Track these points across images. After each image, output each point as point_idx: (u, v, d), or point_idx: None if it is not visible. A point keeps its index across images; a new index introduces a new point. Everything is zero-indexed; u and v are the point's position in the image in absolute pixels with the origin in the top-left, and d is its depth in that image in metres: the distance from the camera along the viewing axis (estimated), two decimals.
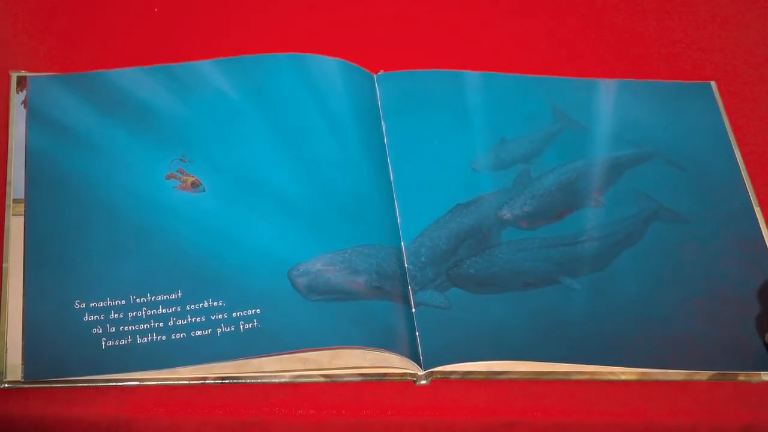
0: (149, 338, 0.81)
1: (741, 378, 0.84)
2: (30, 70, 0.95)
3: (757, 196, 0.94)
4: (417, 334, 0.83)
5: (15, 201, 0.87)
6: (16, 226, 0.85)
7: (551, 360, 0.83)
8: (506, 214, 0.91)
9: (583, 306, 0.86)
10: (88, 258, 0.84)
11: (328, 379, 0.81)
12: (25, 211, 0.86)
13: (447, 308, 0.85)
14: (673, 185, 0.95)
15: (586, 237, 0.91)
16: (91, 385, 0.79)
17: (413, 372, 0.81)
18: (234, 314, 0.82)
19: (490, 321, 0.84)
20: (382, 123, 0.95)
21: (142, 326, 0.81)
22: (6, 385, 0.78)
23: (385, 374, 0.82)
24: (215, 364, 0.80)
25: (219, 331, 0.81)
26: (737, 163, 0.96)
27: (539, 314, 0.85)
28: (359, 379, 0.81)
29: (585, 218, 0.92)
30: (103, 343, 0.80)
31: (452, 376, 0.82)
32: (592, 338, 0.84)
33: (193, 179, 0.89)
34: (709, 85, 1.02)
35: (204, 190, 0.89)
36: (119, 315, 0.81)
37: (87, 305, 0.81)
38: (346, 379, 0.81)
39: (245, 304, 0.83)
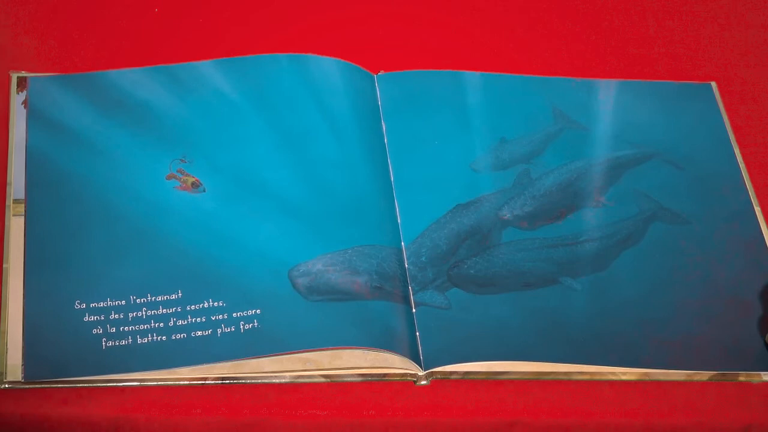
0: (149, 338, 0.81)
1: (741, 378, 0.84)
2: (30, 71, 0.95)
3: (757, 196, 0.94)
4: (417, 334, 0.83)
5: (15, 201, 0.87)
6: (16, 226, 0.85)
7: (551, 360, 0.83)
8: (506, 214, 0.91)
9: (583, 306, 0.86)
10: (89, 258, 0.84)
11: (329, 380, 0.81)
12: (25, 211, 0.86)
13: (447, 308, 0.85)
14: (674, 186, 0.95)
15: (587, 237, 0.91)
16: (91, 385, 0.79)
17: (413, 372, 0.81)
18: (234, 314, 0.82)
19: (490, 321, 0.84)
20: (383, 123, 0.95)
21: (142, 326, 0.81)
22: (6, 386, 0.78)
23: (385, 374, 0.82)
24: (215, 365, 0.80)
25: (219, 331, 0.81)
26: (737, 164, 0.96)
27: (539, 314, 0.85)
28: (359, 379, 0.81)
29: (585, 218, 0.92)
30: (104, 343, 0.80)
31: (452, 377, 0.82)
32: (593, 338, 0.84)
33: (194, 179, 0.89)
34: (710, 85, 1.02)
35: (204, 191, 0.89)
36: (119, 315, 0.81)
37: (87, 305, 0.81)
38: (346, 379, 0.81)
39: (245, 305, 0.83)
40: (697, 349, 0.85)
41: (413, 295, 0.85)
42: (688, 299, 0.88)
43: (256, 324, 0.82)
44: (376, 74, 0.98)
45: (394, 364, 0.81)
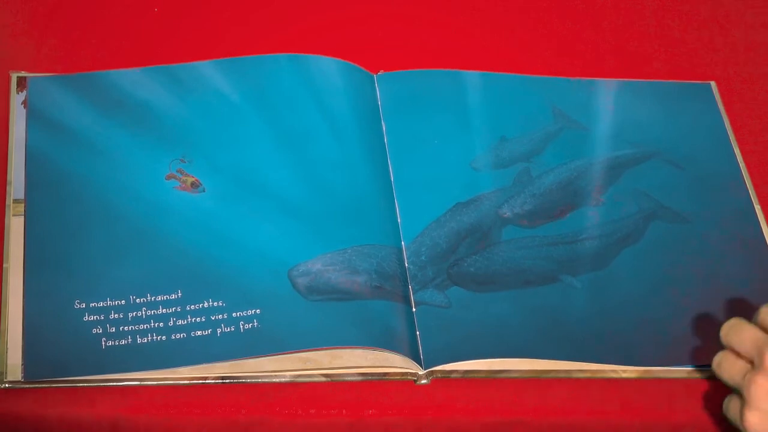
0: (149, 338, 0.80)
1: None
2: (30, 71, 0.95)
3: (758, 194, 0.94)
4: (417, 333, 0.83)
5: (15, 201, 0.87)
6: (16, 226, 0.85)
7: (552, 357, 0.83)
8: (506, 212, 0.91)
9: (583, 304, 0.86)
10: (88, 258, 0.84)
11: (329, 379, 0.81)
12: (25, 211, 0.86)
13: (447, 307, 0.85)
14: (674, 185, 0.95)
15: (587, 235, 0.90)
16: (91, 385, 0.79)
17: (414, 371, 0.81)
18: (234, 314, 0.82)
19: (490, 319, 0.84)
20: (382, 123, 0.95)
21: (142, 326, 0.81)
22: (6, 385, 0.78)
23: (385, 374, 0.81)
24: (215, 364, 0.80)
25: (219, 331, 0.81)
26: (737, 162, 0.96)
27: (539, 312, 0.85)
28: (360, 378, 0.81)
29: (585, 217, 0.92)
30: (103, 343, 0.80)
31: (453, 375, 0.82)
32: (593, 336, 0.84)
33: (193, 179, 0.89)
34: (709, 85, 1.02)
35: (204, 191, 0.89)
36: (119, 315, 0.81)
37: (87, 305, 0.81)
38: (346, 378, 0.81)
39: (245, 304, 0.82)
40: (698, 346, 0.85)
41: (413, 294, 0.85)
42: (688, 297, 0.88)
43: (255, 324, 0.81)
44: (376, 74, 0.98)
45: (395, 363, 0.81)
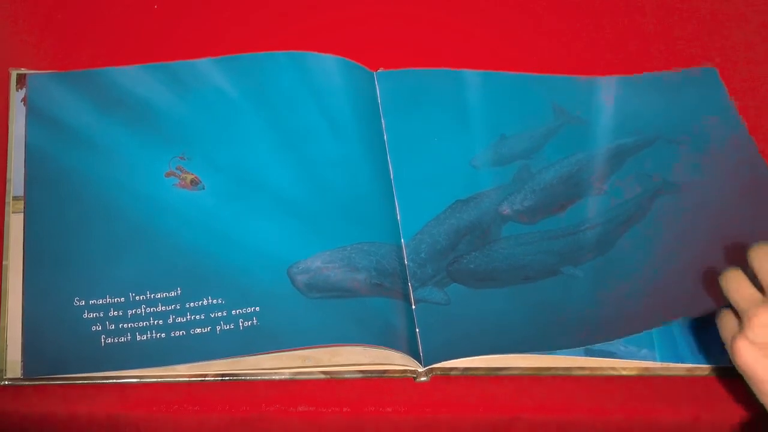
0: (148, 336, 0.80)
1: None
2: (29, 68, 0.95)
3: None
4: (417, 330, 0.83)
5: (15, 198, 0.87)
6: (15, 223, 0.85)
7: (552, 349, 0.82)
8: (506, 209, 0.91)
9: (585, 292, 0.86)
10: (88, 255, 0.84)
11: (328, 376, 0.81)
12: (24, 208, 0.86)
13: (447, 304, 0.85)
14: (677, 159, 0.94)
15: (589, 224, 0.90)
16: (90, 382, 0.79)
17: (413, 369, 0.81)
18: (233, 312, 0.82)
19: (490, 316, 0.84)
20: (382, 120, 0.95)
21: (141, 324, 0.81)
22: (6, 382, 0.78)
23: (385, 371, 0.81)
24: (214, 362, 0.80)
25: (218, 328, 0.81)
26: (745, 130, 0.96)
27: (539, 307, 0.85)
28: (359, 376, 0.81)
29: (587, 207, 0.91)
30: (103, 340, 0.80)
31: (452, 373, 0.82)
32: (595, 320, 0.84)
33: (193, 177, 0.89)
34: (712, 71, 1.02)
35: (203, 188, 0.89)
36: (118, 312, 0.81)
37: (86, 303, 0.81)
38: (346, 376, 0.81)
39: (245, 302, 0.82)
40: (708, 295, 0.84)
41: (413, 291, 0.85)
42: (694, 254, 0.87)
43: (255, 321, 0.81)
44: (376, 72, 0.98)
45: (394, 360, 0.81)
